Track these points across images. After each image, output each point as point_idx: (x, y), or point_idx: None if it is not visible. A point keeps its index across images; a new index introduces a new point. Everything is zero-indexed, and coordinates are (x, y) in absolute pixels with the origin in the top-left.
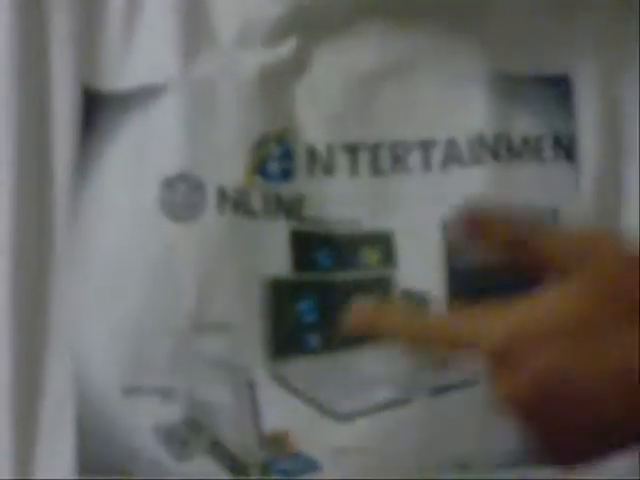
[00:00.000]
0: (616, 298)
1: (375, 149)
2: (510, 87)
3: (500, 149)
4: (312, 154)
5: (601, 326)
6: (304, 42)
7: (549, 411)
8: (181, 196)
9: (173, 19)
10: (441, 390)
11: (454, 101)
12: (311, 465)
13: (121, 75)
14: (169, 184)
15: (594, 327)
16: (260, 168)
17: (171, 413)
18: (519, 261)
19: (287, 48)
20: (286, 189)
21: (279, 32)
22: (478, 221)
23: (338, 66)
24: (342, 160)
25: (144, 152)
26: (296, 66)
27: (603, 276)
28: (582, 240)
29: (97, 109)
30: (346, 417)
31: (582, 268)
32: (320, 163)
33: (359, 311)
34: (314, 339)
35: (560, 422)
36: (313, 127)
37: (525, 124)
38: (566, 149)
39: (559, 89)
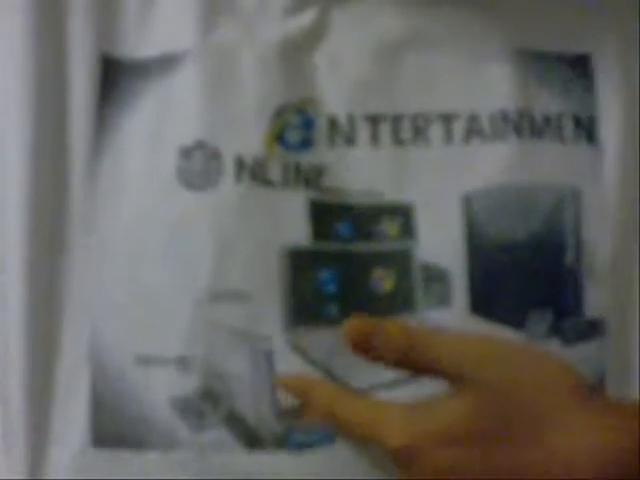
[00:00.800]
0: (507, 406)
1: (396, 120)
2: (533, 65)
3: (523, 126)
4: (333, 124)
5: (493, 432)
6: (325, 11)
7: None
8: (198, 165)
9: None
10: None
11: (477, 76)
12: (326, 438)
13: (141, 43)
14: (186, 153)
15: (487, 433)
16: (279, 137)
17: (187, 383)
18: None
19: (308, 17)
20: (306, 158)
21: (300, 0)
22: (363, 335)
23: (360, 36)
24: (363, 131)
25: (162, 120)
26: (317, 35)
27: (495, 385)
28: (470, 347)
29: (116, 77)
30: (362, 391)
31: (474, 377)
32: (341, 133)
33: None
34: (333, 309)
35: None
36: (334, 97)
37: (546, 102)
38: (587, 130)
39: (580, 69)
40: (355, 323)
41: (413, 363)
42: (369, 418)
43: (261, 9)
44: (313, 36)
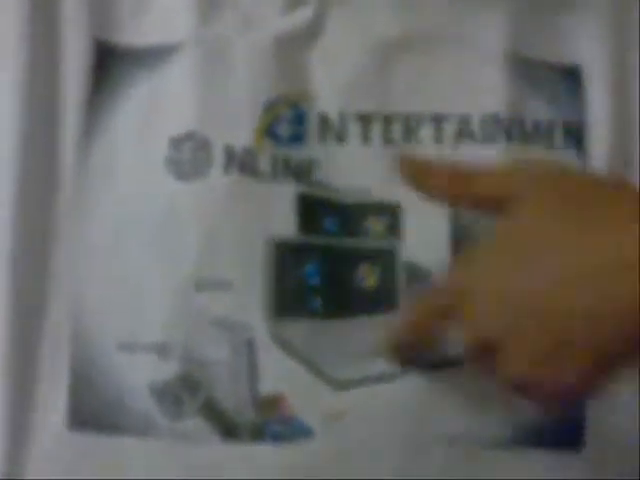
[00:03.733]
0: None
1: (388, 120)
2: (525, 70)
3: (514, 130)
4: (324, 121)
5: (560, 236)
6: (322, 9)
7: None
8: (187, 154)
9: None
10: (436, 365)
11: (470, 78)
12: (304, 430)
13: (136, 32)
14: (176, 143)
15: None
16: (270, 130)
17: (166, 370)
18: (462, 203)
19: (305, 14)
20: (296, 153)
21: (296, 4)
22: (416, 169)
23: (355, 34)
24: (354, 129)
25: (154, 110)
26: (313, 32)
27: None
28: (519, 171)
29: (110, 64)
30: (343, 385)
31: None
32: (332, 130)
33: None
34: (315, 302)
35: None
36: (326, 94)
37: (537, 108)
38: (576, 138)
39: (571, 78)
40: (407, 157)
41: (465, 198)
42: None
43: (259, 3)
44: (309, 33)
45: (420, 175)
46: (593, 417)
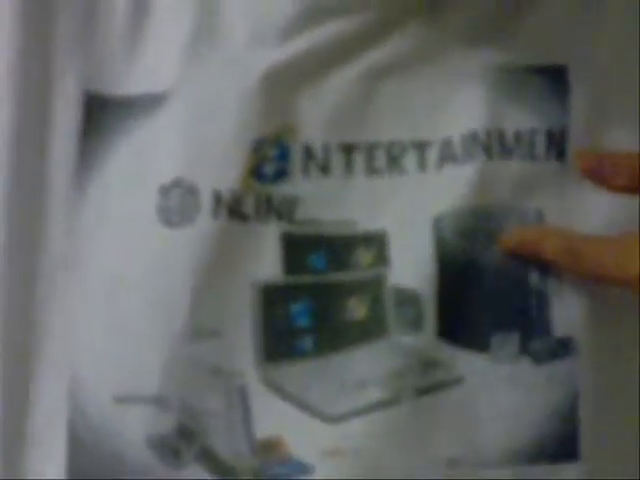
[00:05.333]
0: None
1: (371, 149)
2: (507, 81)
3: (493, 145)
4: (309, 153)
5: None
6: (312, 41)
7: None
8: (176, 202)
9: (181, 24)
10: (429, 389)
11: (450, 99)
12: (302, 469)
13: (125, 81)
14: (165, 191)
15: None
16: (256, 170)
17: (163, 422)
18: None
19: (295, 48)
20: (279, 190)
21: (290, 33)
22: (592, 163)
23: (337, 64)
24: (338, 160)
25: (144, 159)
26: (301, 64)
27: None
28: None
29: (100, 114)
30: (336, 419)
31: None
32: (316, 162)
33: (518, 233)
34: (306, 342)
35: None
36: (311, 126)
37: (519, 118)
38: (558, 146)
39: (555, 82)
40: (584, 153)
41: None
42: (610, 249)
43: (249, 42)
44: (297, 66)
45: (597, 166)
46: (586, 427)
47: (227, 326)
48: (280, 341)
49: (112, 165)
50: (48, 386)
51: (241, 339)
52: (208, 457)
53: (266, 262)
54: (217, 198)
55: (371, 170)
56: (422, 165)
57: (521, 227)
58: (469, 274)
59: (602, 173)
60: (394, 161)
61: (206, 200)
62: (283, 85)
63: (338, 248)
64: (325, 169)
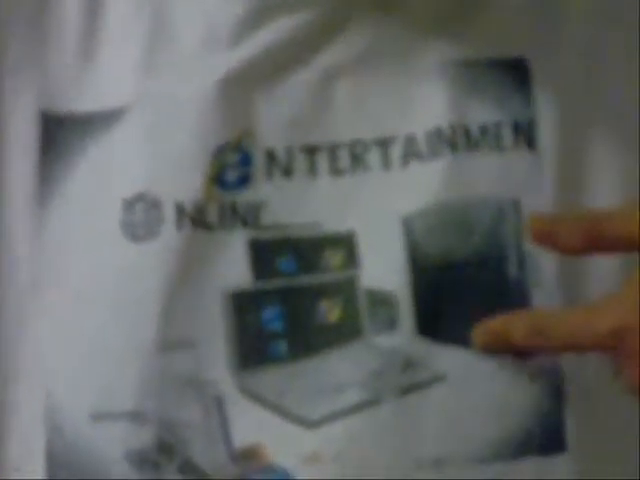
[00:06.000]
0: None
1: (334, 149)
2: (467, 75)
3: (458, 140)
4: (271, 157)
5: None
6: (267, 43)
7: None
8: (139, 216)
9: (134, 37)
10: (410, 389)
11: (411, 95)
12: (284, 475)
13: (81, 98)
14: (128, 205)
15: None
16: (218, 178)
17: (142, 436)
18: (597, 249)
19: (249, 51)
20: (243, 197)
21: (242, 34)
22: (546, 227)
23: (295, 66)
24: (301, 162)
25: (105, 174)
26: (258, 69)
27: None
28: None
29: (57, 132)
30: (315, 423)
31: None
32: (279, 166)
33: (481, 330)
34: (280, 347)
35: None
36: (272, 130)
37: (483, 112)
38: (526, 136)
39: (516, 74)
40: (536, 216)
41: (600, 242)
42: (577, 317)
43: (203, 46)
44: (253, 69)
45: (551, 230)
46: (572, 417)
47: (200, 336)
48: (254, 347)
49: (73, 183)
50: (24, 410)
51: (214, 348)
52: (189, 469)
53: (235, 269)
54: (180, 210)
55: (335, 171)
56: (386, 163)
57: (483, 323)
58: (445, 269)
59: (556, 237)
60: (357, 160)
61: (169, 212)
62: (240, 90)
63: (306, 251)
64: (288, 172)
